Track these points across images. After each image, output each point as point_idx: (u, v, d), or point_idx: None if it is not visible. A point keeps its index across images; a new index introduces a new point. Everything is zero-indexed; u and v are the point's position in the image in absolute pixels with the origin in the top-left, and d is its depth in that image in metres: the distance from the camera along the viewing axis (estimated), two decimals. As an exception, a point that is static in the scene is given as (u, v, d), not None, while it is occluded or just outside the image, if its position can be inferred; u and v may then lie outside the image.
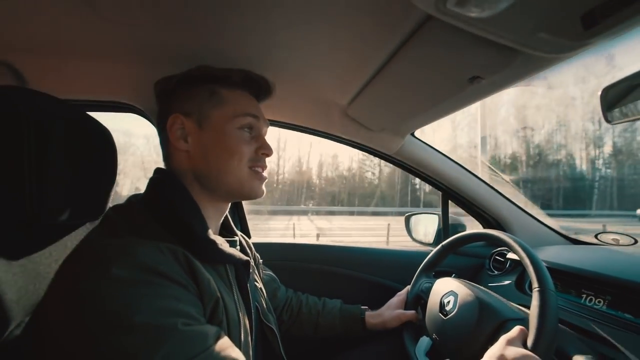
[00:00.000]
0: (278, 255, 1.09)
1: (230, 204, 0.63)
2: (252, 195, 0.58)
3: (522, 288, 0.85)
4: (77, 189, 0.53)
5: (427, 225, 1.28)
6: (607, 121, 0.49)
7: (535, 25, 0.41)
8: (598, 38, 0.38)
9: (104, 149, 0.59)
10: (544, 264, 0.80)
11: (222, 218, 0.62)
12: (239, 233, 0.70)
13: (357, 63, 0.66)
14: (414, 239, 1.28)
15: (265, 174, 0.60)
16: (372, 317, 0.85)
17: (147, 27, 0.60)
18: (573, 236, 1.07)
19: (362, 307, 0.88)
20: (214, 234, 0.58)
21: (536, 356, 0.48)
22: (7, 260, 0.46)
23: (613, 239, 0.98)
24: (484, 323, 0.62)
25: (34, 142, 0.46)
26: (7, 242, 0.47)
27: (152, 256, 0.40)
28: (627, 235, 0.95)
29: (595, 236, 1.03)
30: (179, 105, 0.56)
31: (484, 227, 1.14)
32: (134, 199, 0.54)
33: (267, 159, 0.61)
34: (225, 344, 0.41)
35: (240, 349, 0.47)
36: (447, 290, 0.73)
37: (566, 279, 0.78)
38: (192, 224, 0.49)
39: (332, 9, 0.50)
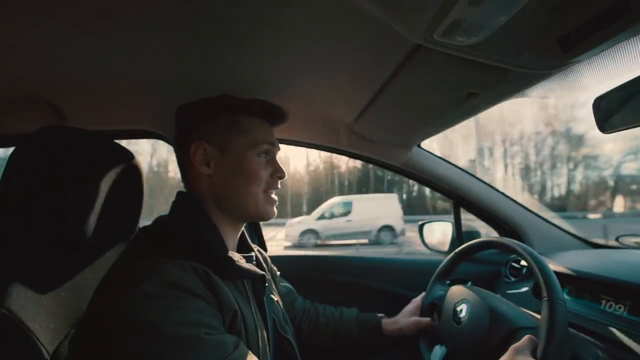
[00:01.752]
0: (294, 267, 1.13)
1: (245, 223, 0.67)
2: (266, 217, 0.63)
3: (539, 294, 0.84)
4: (111, 213, 0.59)
5: (441, 233, 1.28)
6: (602, 130, 0.51)
7: (518, 48, 0.44)
8: (578, 58, 0.41)
9: (131, 174, 0.65)
10: (560, 270, 0.80)
11: (239, 235, 0.67)
12: (255, 248, 0.74)
13: (360, 84, 0.71)
14: (428, 247, 1.28)
15: (275, 196, 0.65)
16: (389, 324, 0.86)
17: (167, 61, 0.66)
18: (593, 240, 1.05)
19: (379, 315, 0.89)
20: (232, 250, 0.63)
21: None
22: (57, 279, 0.53)
23: (636, 242, 0.95)
24: (495, 331, 0.62)
25: (72, 174, 0.53)
26: (56, 264, 0.54)
27: (176, 274, 0.45)
28: (650, 237, 0.92)
29: (617, 239, 1.00)
30: (201, 131, 0.60)
31: (499, 234, 1.13)
32: (160, 220, 0.60)
33: None
34: (243, 352, 0.45)
35: (259, 358, 0.51)
36: (460, 298, 0.74)
37: (584, 285, 0.76)
38: (211, 244, 0.54)
39: (333, 39, 0.55)
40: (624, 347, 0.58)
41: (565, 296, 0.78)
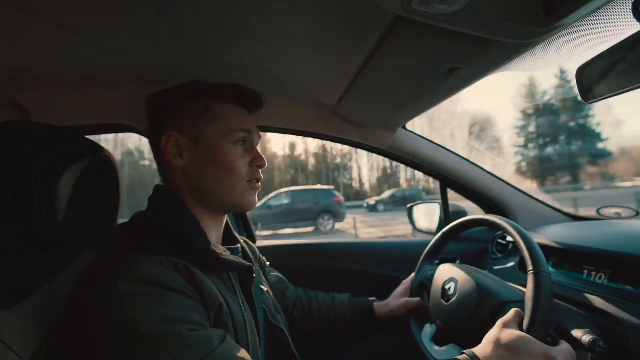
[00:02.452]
0: (285, 257, 1.12)
1: (227, 214, 0.65)
2: (247, 208, 0.61)
3: (525, 269, 0.86)
4: (85, 211, 0.56)
5: (429, 214, 1.29)
6: (585, 100, 0.50)
7: (500, 15, 0.42)
8: (562, 22, 0.40)
9: (105, 170, 0.62)
10: (544, 243, 0.82)
11: (223, 227, 0.64)
12: (241, 240, 0.72)
13: (340, 64, 0.68)
14: (417, 229, 1.29)
15: (258, 184, 0.62)
16: (380, 307, 0.87)
17: (137, 50, 0.62)
18: (575, 213, 1.07)
19: (370, 298, 0.90)
20: (217, 243, 0.61)
21: (531, 337, 0.49)
22: (30, 283, 0.49)
23: (615, 213, 0.98)
24: (483, 307, 0.63)
25: (39, 171, 0.49)
26: (27, 266, 0.50)
27: (154, 270, 0.43)
28: (628, 208, 0.95)
29: (597, 211, 1.03)
30: (172, 121, 0.57)
31: (485, 212, 1.15)
32: (137, 216, 0.57)
33: None
34: (231, 346, 0.43)
35: (248, 350, 0.50)
36: (448, 277, 0.75)
37: (567, 256, 0.78)
38: (191, 237, 0.51)
39: (308, 15, 0.52)
40: (605, 314, 0.60)
41: (550, 268, 0.80)
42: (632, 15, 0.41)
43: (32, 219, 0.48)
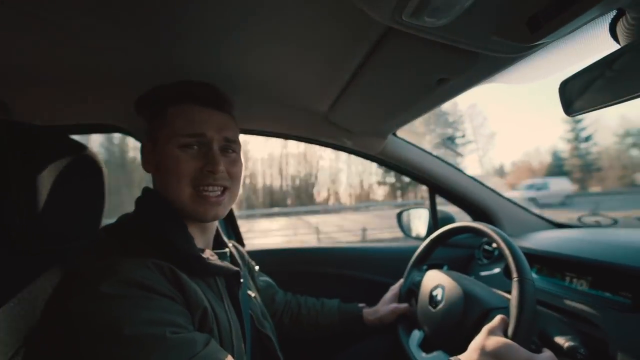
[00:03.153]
0: (274, 261, 1.11)
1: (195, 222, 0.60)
2: (198, 218, 0.56)
3: (510, 275, 0.88)
4: (68, 213, 0.54)
5: (418, 220, 1.31)
6: (567, 114, 0.52)
7: (487, 30, 0.43)
8: (545, 39, 0.41)
9: (90, 171, 0.61)
10: (528, 250, 0.84)
11: (211, 232, 0.64)
12: (230, 244, 0.72)
13: (331, 71, 0.68)
14: (406, 235, 1.30)
15: (214, 194, 0.55)
16: (369, 314, 0.88)
17: (125, 51, 0.61)
18: (558, 221, 1.11)
19: (360, 305, 0.90)
20: (206, 247, 0.60)
21: (515, 344, 0.50)
22: (7, 288, 0.47)
23: (595, 221, 1.01)
24: (469, 313, 0.64)
25: (18, 172, 0.47)
26: (5, 271, 0.48)
27: (138, 272, 0.43)
28: (607, 217, 0.99)
29: (579, 219, 1.07)
30: (148, 128, 0.60)
31: (473, 219, 1.17)
32: (123, 218, 0.56)
33: None
34: (215, 349, 0.43)
35: (233, 356, 0.49)
36: (436, 283, 0.76)
37: (550, 263, 0.81)
38: (176, 241, 0.51)
39: (300, 22, 0.53)
40: (586, 320, 0.61)
41: (534, 275, 0.82)
42: (609, 34, 0.43)
43: (8, 222, 0.47)
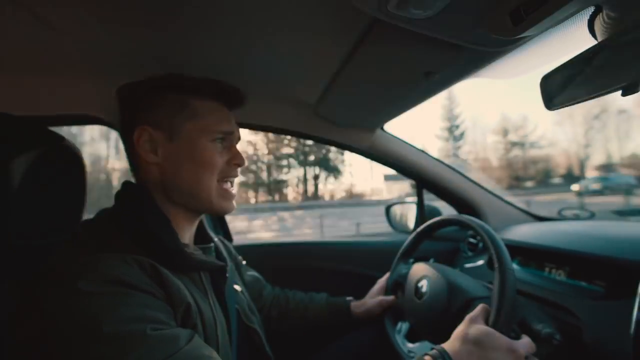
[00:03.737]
0: (262, 256, 1.11)
1: (200, 215, 0.62)
2: (222, 212, 0.58)
3: (493, 266, 0.90)
4: (45, 207, 0.52)
5: (406, 214, 1.33)
6: (548, 108, 0.53)
7: (471, 23, 0.44)
8: (527, 32, 0.42)
9: (69, 164, 0.58)
10: (510, 242, 0.86)
11: (196, 226, 0.63)
12: (216, 239, 0.71)
13: (319, 64, 0.68)
14: (394, 228, 1.32)
15: (234, 188, 0.60)
16: (357, 306, 0.88)
17: (106, 38, 0.59)
18: (538, 214, 1.14)
19: (347, 298, 0.91)
20: (189, 242, 0.60)
21: (496, 331, 0.52)
22: None
23: (574, 214, 1.05)
24: (453, 303, 0.66)
25: None
26: None
27: (116, 268, 0.41)
28: (585, 210, 1.03)
29: (559, 212, 1.10)
30: (145, 115, 0.55)
31: (458, 212, 1.19)
32: (102, 213, 0.54)
33: None
34: (198, 345, 0.42)
35: (218, 351, 0.49)
36: (421, 275, 0.77)
37: (530, 254, 0.83)
38: (160, 236, 0.49)
39: (289, 15, 0.52)
40: (563, 308, 0.64)
41: (515, 266, 0.84)
42: (587, 30, 0.44)
43: None
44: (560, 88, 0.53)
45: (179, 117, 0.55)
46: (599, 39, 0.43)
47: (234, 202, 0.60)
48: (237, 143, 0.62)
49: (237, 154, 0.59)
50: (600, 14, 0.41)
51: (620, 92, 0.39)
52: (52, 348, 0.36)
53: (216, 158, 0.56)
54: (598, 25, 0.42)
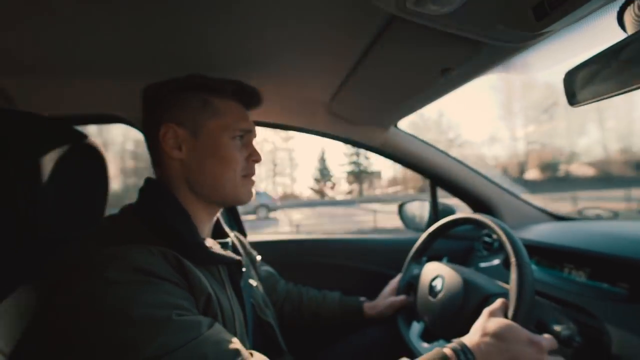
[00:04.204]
0: (276, 251, 1.12)
1: (221, 208, 0.65)
2: (244, 201, 0.62)
3: (509, 266, 0.89)
4: (70, 202, 0.55)
5: (419, 212, 1.32)
6: (571, 104, 0.52)
7: (491, 18, 0.43)
8: (551, 27, 0.41)
9: (92, 161, 0.61)
10: (528, 241, 0.84)
11: (214, 221, 0.64)
12: (232, 234, 0.72)
13: (333, 60, 0.68)
14: (407, 227, 1.31)
15: (254, 179, 0.63)
16: (370, 308, 0.89)
17: (128, 42, 0.61)
18: (558, 213, 1.11)
19: (361, 298, 0.91)
20: (207, 236, 0.61)
21: (516, 324, 0.51)
22: (9, 278, 0.48)
23: (595, 214, 1.01)
24: (469, 300, 0.65)
25: (22, 161, 0.48)
26: (5, 261, 0.49)
27: (142, 258, 0.44)
28: (608, 210, 0.99)
29: (579, 212, 1.07)
30: (170, 113, 0.57)
31: (473, 211, 1.17)
32: (126, 208, 0.56)
33: None
34: (219, 330, 0.44)
35: None
36: (435, 274, 0.76)
37: (549, 255, 0.81)
38: (181, 231, 0.51)
39: (305, 13, 0.52)
40: (583, 310, 0.62)
41: (533, 266, 0.82)
42: (617, 23, 0.42)
43: (13, 209, 0.47)
44: (584, 83, 0.51)
45: (201, 115, 0.57)
46: (629, 32, 0.42)
47: (253, 190, 0.64)
48: (253, 140, 0.64)
49: (255, 151, 0.62)
50: (632, 4, 0.39)
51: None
52: (84, 335, 0.39)
53: (236, 154, 0.59)
54: (628, 17, 0.41)
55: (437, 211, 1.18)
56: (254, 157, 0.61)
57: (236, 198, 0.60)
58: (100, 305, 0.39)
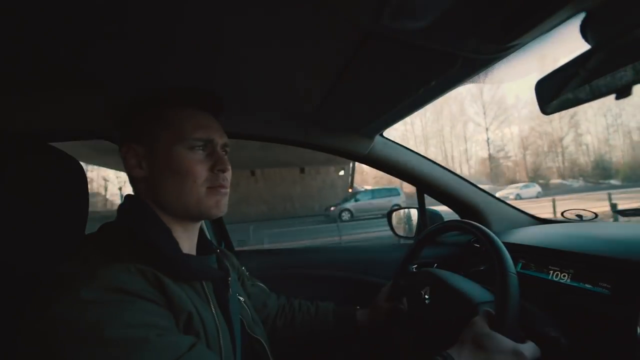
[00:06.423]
0: (266, 263, 1.10)
1: (201, 221, 0.63)
2: (214, 214, 0.58)
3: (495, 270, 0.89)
4: (48, 224, 0.53)
5: (408, 219, 1.33)
6: (544, 112, 0.53)
7: (463, 32, 0.44)
8: (519, 40, 0.42)
9: (71, 180, 0.59)
10: (512, 245, 0.86)
11: (195, 236, 0.63)
12: (218, 249, 0.71)
13: (315, 77, 0.69)
14: (396, 234, 1.32)
15: (224, 191, 0.58)
16: (362, 316, 0.87)
17: (105, 54, 0.59)
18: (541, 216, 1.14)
19: (354, 308, 0.90)
20: (190, 252, 0.60)
21: (501, 335, 0.52)
22: None
23: (577, 215, 1.04)
24: (457, 309, 0.65)
25: None
26: None
27: (119, 277, 0.42)
28: (588, 211, 1.02)
29: (562, 214, 1.10)
30: (132, 131, 0.57)
31: (460, 217, 1.19)
32: (105, 226, 0.55)
33: None
34: (200, 351, 0.43)
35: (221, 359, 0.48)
36: (424, 283, 0.76)
37: (534, 258, 0.82)
38: (161, 245, 0.50)
39: (283, 31, 0.53)
40: (569, 312, 0.63)
41: (519, 270, 0.83)
42: (580, 35, 0.45)
43: None
44: (555, 92, 0.53)
45: (155, 128, 0.56)
46: (592, 44, 0.44)
47: (223, 203, 0.58)
48: (223, 149, 0.60)
49: (220, 160, 0.57)
50: (592, 19, 0.42)
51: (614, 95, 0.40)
52: (57, 355, 0.37)
53: (196, 166, 0.55)
54: (590, 30, 0.43)
55: (425, 218, 1.19)
56: (218, 166, 0.57)
57: (203, 212, 0.56)
58: (74, 326, 0.38)
